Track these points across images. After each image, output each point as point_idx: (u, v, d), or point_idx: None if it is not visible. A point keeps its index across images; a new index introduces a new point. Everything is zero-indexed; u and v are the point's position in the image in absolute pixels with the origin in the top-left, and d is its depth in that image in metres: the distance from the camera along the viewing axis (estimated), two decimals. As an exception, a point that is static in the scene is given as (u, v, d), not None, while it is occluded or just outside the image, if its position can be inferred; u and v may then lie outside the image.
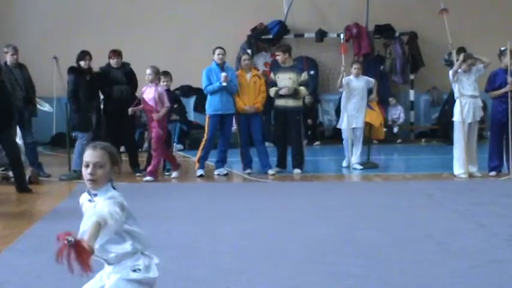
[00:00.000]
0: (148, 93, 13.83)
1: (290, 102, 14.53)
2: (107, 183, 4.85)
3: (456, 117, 14.10)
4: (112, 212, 4.53)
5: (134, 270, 4.83)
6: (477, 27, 18.21)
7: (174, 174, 14.42)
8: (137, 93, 15.46)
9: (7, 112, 12.83)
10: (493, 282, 7.35)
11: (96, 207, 4.71)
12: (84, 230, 4.61)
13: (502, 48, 14.12)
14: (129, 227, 4.81)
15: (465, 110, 14.02)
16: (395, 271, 7.98)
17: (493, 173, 14.13)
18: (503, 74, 13.92)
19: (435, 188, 13.32)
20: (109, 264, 4.84)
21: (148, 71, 13.85)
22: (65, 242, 4.21)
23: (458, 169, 14.14)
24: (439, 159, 15.95)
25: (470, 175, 13.99)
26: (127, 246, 4.81)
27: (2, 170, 13.22)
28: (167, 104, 13.98)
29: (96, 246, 4.55)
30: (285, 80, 14.48)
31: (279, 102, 14.60)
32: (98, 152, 4.84)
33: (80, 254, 4.26)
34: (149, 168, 14.12)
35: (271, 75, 14.80)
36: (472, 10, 19.42)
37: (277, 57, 15.14)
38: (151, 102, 13.72)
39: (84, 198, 4.90)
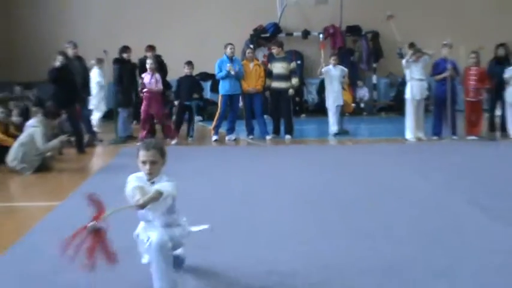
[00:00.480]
0: (147, 78, 14.17)
1: (283, 85, 14.93)
2: (161, 173, 5.11)
3: (407, 95, 14.53)
4: (171, 191, 4.83)
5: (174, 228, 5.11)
6: (425, 26, 18.29)
7: (173, 141, 14.36)
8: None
9: (73, 93, 13.26)
10: (436, 222, 7.25)
11: (159, 184, 4.92)
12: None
13: (444, 42, 14.52)
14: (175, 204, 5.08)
15: (414, 90, 14.46)
16: (365, 219, 7.90)
17: (435, 137, 14.56)
18: (444, 62, 14.42)
19: (392, 149, 13.56)
20: (159, 226, 5.05)
21: (149, 61, 14.31)
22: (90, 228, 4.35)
23: (409, 134, 14.51)
24: (394, 128, 16.03)
25: (418, 139, 14.40)
26: (174, 216, 5.15)
27: (67, 136, 12.79)
28: (158, 87, 14.33)
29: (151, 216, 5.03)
30: (279, 68, 14.95)
31: (274, 85, 14.95)
32: (150, 152, 5.03)
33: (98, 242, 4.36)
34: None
35: (268, 65, 15.16)
36: (422, 12, 19.68)
37: (273, 50, 15.59)
38: (149, 86, 14.13)
39: (135, 179, 5.04)
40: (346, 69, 16.17)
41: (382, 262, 5.75)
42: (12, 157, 11.09)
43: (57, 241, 4.72)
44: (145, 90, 14.19)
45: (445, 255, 5.97)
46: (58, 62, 13.17)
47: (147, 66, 14.26)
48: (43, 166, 11.29)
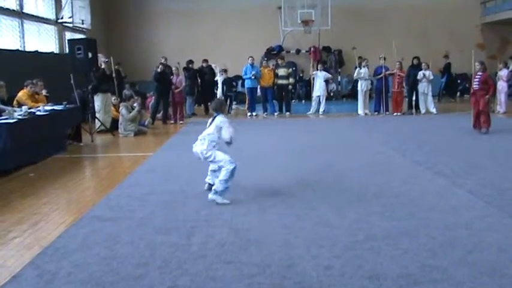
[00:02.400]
0: (174, 79, 13.65)
1: (284, 82, 14.89)
2: (222, 113, 5.49)
3: (359, 88, 14.54)
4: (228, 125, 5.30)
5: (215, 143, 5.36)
6: (370, 45, 18.20)
7: (181, 121, 13.60)
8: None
9: (167, 88, 13.38)
10: (373, 160, 7.47)
11: (218, 119, 5.36)
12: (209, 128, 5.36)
13: (380, 56, 14.46)
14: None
15: (363, 85, 14.53)
16: (330, 157, 8.17)
17: (375, 113, 14.45)
18: (380, 68, 14.36)
19: (349, 120, 13.41)
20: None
21: (173, 68, 13.85)
22: None
23: (360, 111, 14.45)
24: (351, 107, 15.80)
25: (365, 114, 14.36)
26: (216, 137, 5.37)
27: (158, 114, 13.44)
28: (183, 84, 13.91)
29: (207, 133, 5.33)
30: (282, 71, 14.89)
31: (279, 82, 14.86)
32: (213, 103, 5.68)
33: None
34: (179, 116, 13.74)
35: (275, 70, 15.04)
36: (368, 37, 19.58)
37: (279, 61, 15.47)
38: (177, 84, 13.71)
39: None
40: (330, 75, 16.12)
41: (333, 176, 5.88)
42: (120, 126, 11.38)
43: (152, 176, 4.94)
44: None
45: (376, 179, 6.07)
46: (159, 68, 13.31)
47: (173, 71, 13.88)
48: (140, 132, 11.49)
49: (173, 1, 20.20)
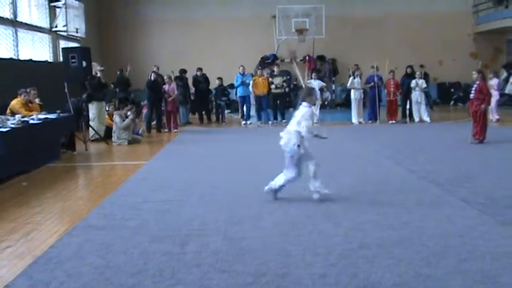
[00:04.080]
0: (167, 87, 13.59)
1: (279, 91, 15.04)
2: (309, 104, 5.46)
3: (352, 96, 14.60)
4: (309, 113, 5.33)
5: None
6: (363, 54, 18.33)
7: (175, 130, 13.47)
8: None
9: (159, 96, 13.41)
10: (366, 168, 7.55)
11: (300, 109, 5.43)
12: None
13: (372, 65, 14.61)
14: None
15: (356, 94, 14.60)
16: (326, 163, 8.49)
17: (369, 122, 14.50)
18: (372, 77, 14.44)
19: (343, 128, 13.37)
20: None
21: (165, 77, 13.82)
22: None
23: (354, 119, 14.48)
24: (345, 115, 15.65)
25: (360, 123, 14.40)
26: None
27: (152, 123, 13.51)
28: (175, 93, 13.80)
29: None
30: (278, 80, 15.02)
31: (275, 91, 14.97)
32: (302, 91, 5.67)
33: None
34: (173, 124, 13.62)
35: (270, 78, 15.10)
36: (361, 47, 19.75)
37: (275, 69, 15.65)
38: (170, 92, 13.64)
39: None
40: (324, 83, 16.14)
41: (328, 184, 5.88)
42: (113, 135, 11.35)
43: (146, 185, 4.92)
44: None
45: (370, 187, 6.08)
46: (152, 77, 13.33)
47: (165, 79, 13.84)
48: (134, 140, 11.46)
49: (168, 10, 20.27)
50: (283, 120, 14.90)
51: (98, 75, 12.19)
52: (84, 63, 10.61)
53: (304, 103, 5.46)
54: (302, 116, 5.34)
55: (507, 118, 14.25)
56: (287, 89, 15.64)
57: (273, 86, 15.03)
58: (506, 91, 16.90)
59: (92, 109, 11.93)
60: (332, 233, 4.48)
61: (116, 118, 11.30)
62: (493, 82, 14.07)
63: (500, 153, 8.85)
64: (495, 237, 4.30)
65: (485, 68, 15.88)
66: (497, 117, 13.95)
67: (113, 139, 11.34)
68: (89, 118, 11.83)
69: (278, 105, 15.21)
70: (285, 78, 15.55)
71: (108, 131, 11.77)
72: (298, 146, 5.35)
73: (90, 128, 11.64)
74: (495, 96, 13.90)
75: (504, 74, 17.81)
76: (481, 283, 3.37)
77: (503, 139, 10.43)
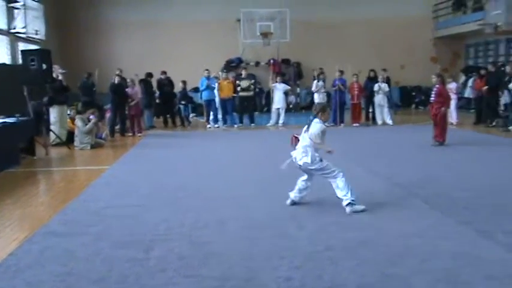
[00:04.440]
0: (130, 91, 13.32)
1: (246, 94, 15.08)
2: (321, 119, 5.31)
3: (316, 100, 14.59)
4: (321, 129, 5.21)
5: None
6: (328, 58, 18.36)
7: (140, 134, 13.21)
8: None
9: (123, 99, 13.18)
10: None
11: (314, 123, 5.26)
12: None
13: (339, 69, 14.81)
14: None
15: (320, 96, 14.72)
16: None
17: (333, 124, 14.35)
18: (336, 80, 14.52)
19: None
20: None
21: (128, 80, 13.48)
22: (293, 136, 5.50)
23: (318, 123, 14.77)
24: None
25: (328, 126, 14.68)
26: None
27: (116, 127, 13.24)
28: (139, 96, 13.63)
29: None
30: (245, 83, 15.06)
31: (242, 94, 15.03)
32: (315, 106, 5.59)
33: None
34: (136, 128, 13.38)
35: (237, 81, 15.20)
36: (326, 50, 20.01)
37: (242, 72, 15.71)
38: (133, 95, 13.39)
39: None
40: (289, 87, 16.21)
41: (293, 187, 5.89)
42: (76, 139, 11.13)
43: (109, 190, 4.82)
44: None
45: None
46: (116, 80, 13.13)
47: (128, 83, 13.57)
48: (97, 144, 11.26)
49: (132, 12, 20.03)
50: (252, 124, 15.01)
51: (60, 78, 11.93)
52: (44, 66, 10.35)
53: (316, 119, 5.34)
54: (314, 131, 5.24)
55: (466, 121, 14.66)
56: (254, 92, 15.65)
57: (239, 89, 15.02)
58: (466, 95, 17.38)
59: (53, 113, 11.65)
60: (297, 236, 4.51)
61: (78, 122, 11.08)
62: (452, 86, 14.42)
63: (460, 155, 9.10)
64: (455, 236, 4.42)
65: (444, 72, 16.33)
66: (456, 120, 14.33)
67: (75, 143, 11.11)
68: (50, 122, 11.55)
69: (245, 108, 15.21)
70: (252, 81, 15.57)
71: (70, 135, 11.51)
72: (321, 160, 5.31)
73: (51, 132, 11.36)
74: (454, 99, 14.28)
75: (462, 78, 18.32)
76: (442, 282, 3.45)
77: (462, 141, 10.72)
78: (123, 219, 5.15)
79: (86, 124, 11.08)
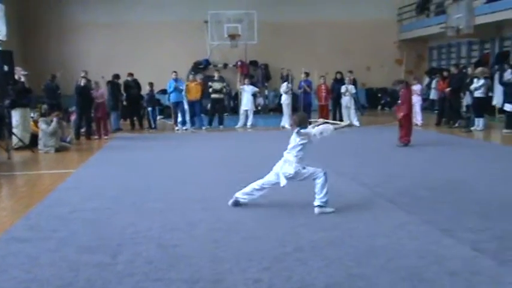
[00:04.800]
0: (95, 93, 13.02)
1: (218, 96, 15.06)
2: (298, 127, 5.30)
3: (284, 101, 14.81)
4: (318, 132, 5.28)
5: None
6: (295, 60, 18.37)
7: (106, 137, 13.05)
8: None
9: (89, 102, 12.95)
10: (311, 186, 7.80)
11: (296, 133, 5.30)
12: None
13: (305, 70, 14.99)
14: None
15: (287, 99, 14.86)
16: (255, 167, 8.32)
17: None
18: (302, 82, 14.78)
19: (277, 133, 13.33)
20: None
21: (93, 85, 13.21)
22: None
23: (284, 123, 14.61)
24: (278, 120, 15.44)
25: (290, 127, 14.77)
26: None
27: (82, 129, 13.03)
28: (105, 98, 13.52)
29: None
30: (217, 85, 15.05)
31: (214, 96, 15.00)
32: (296, 118, 5.55)
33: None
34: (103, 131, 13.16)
35: (209, 83, 15.28)
36: (292, 52, 20.13)
37: (215, 74, 15.63)
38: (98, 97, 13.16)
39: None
40: (257, 89, 16.24)
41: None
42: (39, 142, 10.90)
43: (75, 194, 4.71)
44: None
45: (301, 191, 6.06)
46: (82, 82, 12.90)
47: (93, 85, 13.30)
48: (62, 148, 11.04)
49: (97, 13, 19.76)
50: (220, 126, 14.97)
51: (22, 79, 11.65)
52: (6, 68, 10.10)
53: (298, 129, 5.41)
54: (318, 130, 5.38)
55: (431, 122, 15.00)
56: (225, 95, 15.68)
57: (211, 90, 15.03)
58: (430, 96, 17.78)
59: (16, 115, 11.35)
60: (266, 238, 4.53)
61: (42, 125, 10.84)
62: (416, 88, 14.75)
63: (424, 155, 9.31)
64: (419, 235, 4.52)
65: (409, 73, 16.66)
66: (421, 121, 14.65)
67: (38, 147, 10.86)
68: (12, 125, 11.25)
69: (216, 110, 15.21)
70: (224, 84, 15.54)
71: (34, 138, 11.25)
72: (304, 168, 5.35)
73: (13, 136, 11.08)
74: (418, 101, 14.61)
75: (426, 80, 18.74)
76: (407, 280, 3.53)
77: (426, 142, 10.96)
78: (89, 224, 5.07)
79: (49, 125, 10.87)
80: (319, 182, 5.30)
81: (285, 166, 5.36)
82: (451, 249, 4.15)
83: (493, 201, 5.71)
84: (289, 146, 5.43)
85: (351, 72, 15.80)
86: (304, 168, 5.35)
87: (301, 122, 5.46)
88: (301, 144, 5.34)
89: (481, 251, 4.07)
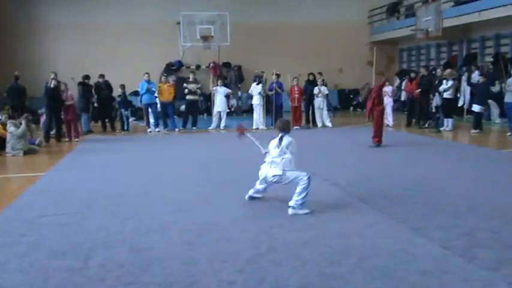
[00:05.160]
0: (64, 94, 12.73)
1: (193, 97, 15.01)
2: (282, 132, 5.52)
3: (256, 102, 14.84)
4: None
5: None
6: (268, 62, 18.32)
7: (77, 139, 12.72)
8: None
9: (59, 104, 12.72)
10: (285, 187, 7.86)
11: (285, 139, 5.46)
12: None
13: (274, 72, 14.95)
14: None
15: (258, 100, 14.88)
16: (230, 169, 8.25)
17: (272, 127, 14.83)
18: (273, 83, 14.76)
19: (250, 135, 13.83)
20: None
21: (62, 87, 12.81)
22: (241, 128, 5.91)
23: (255, 125, 14.75)
24: (252, 122, 15.08)
25: (262, 129, 14.72)
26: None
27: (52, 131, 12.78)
28: (74, 100, 13.22)
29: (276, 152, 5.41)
30: (192, 86, 14.94)
31: (189, 97, 14.96)
32: (279, 123, 5.66)
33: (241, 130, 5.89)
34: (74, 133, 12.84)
35: (184, 84, 15.23)
36: (267, 54, 20.15)
37: (190, 75, 15.54)
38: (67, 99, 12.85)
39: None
40: (230, 90, 16.19)
41: (235, 190, 5.94)
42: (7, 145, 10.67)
43: (44, 198, 4.61)
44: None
45: (275, 191, 6.08)
46: (52, 84, 12.64)
47: (61, 87, 12.87)
48: (31, 151, 10.82)
49: (66, 14, 19.43)
50: (193, 128, 14.89)
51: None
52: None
53: (286, 135, 5.57)
54: (292, 144, 5.52)
55: (401, 123, 15.23)
56: (201, 96, 15.62)
57: (186, 91, 14.95)
58: (402, 98, 18.05)
59: (-18, 118, 11.10)
60: (239, 239, 4.53)
61: (11, 127, 10.59)
62: (388, 89, 14.96)
63: (396, 156, 9.45)
64: (391, 234, 4.59)
65: (380, 75, 16.86)
66: (392, 122, 14.86)
67: (6, 150, 10.60)
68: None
69: (191, 112, 15.13)
70: (199, 85, 15.44)
71: (1, 141, 10.98)
72: (289, 170, 5.47)
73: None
74: (390, 102, 14.82)
75: (397, 81, 19.04)
76: (379, 279, 3.58)
77: (398, 142, 11.13)
78: (59, 228, 4.98)
79: (18, 128, 10.64)
80: (302, 184, 5.36)
81: (272, 169, 5.44)
82: (422, 248, 4.22)
83: (462, 200, 5.84)
84: (274, 151, 5.48)
85: (320, 74, 15.82)
86: (289, 171, 5.43)
87: (284, 127, 5.61)
88: (287, 148, 5.45)
89: (450, 249, 4.16)
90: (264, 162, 5.60)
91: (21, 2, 19.21)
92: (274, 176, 5.42)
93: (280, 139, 5.50)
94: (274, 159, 5.45)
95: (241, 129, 6.05)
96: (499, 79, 14.36)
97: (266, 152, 5.65)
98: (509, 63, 14.65)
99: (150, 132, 14.55)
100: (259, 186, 5.80)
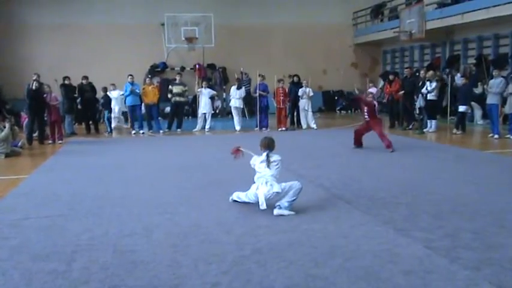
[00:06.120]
0: (48, 96, 12.72)
1: (179, 99, 14.95)
2: (267, 150, 5.52)
3: (234, 104, 14.99)
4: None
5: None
6: (249, 64, 18.71)
7: (60, 141, 12.72)
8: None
9: (42, 106, 12.68)
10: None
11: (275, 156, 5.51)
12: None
13: (259, 73, 14.97)
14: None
15: (237, 102, 14.96)
16: (215, 171, 8.34)
17: (256, 129, 14.78)
18: (259, 85, 14.80)
19: (235, 136, 13.51)
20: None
21: (46, 88, 12.76)
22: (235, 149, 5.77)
23: (236, 127, 14.91)
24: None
25: (244, 130, 14.83)
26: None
27: (34, 134, 12.73)
28: (57, 101, 13.19)
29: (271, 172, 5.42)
30: (178, 88, 14.92)
31: (176, 99, 14.88)
32: (265, 142, 5.59)
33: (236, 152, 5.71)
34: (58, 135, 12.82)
35: (170, 86, 15.20)
36: (253, 55, 20.25)
37: (176, 77, 15.48)
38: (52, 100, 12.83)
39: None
40: (214, 92, 16.17)
41: (220, 192, 5.94)
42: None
43: (27, 200, 4.55)
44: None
45: None
46: (34, 85, 12.51)
47: (44, 89, 12.83)
48: (13, 153, 10.70)
49: (49, 15, 19.33)
50: (178, 130, 14.84)
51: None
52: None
53: (267, 151, 5.57)
54: (279, 162, 5.55)
55: (385, 124, 15.29)
56: (187, 98, 15.59)
57: (173, 93, 14.92)
58: (385, 99, 18.17)
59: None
60: (224, 241, 4.53)
61: (-8, 129, 10.48)
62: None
63: (380, 158, 9.50)
64: (376, 235, 4.62)
65: (364, 76, 17.02)
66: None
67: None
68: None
69: (176, 114, 15.09)
70: (186, 87, 15.42)
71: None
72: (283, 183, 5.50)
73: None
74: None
75: (381, 83, 19.19)
76: (364, 279, 3.60)
77: (382, 144, 11.19)
78: (43, 231, 4.93)
79: (2, 131, 10.51)
80: (294, 187, 5.43)
81: (269, 188, 5.40)
82: (406, 248, 4.25)
83: (446, 201, 5.90)
84: (266, 170, 5.48)
85: (296, 75, 15.79)
86: (284, 183, 5.48)
87: (270, 145, 5.62)
88: (277, 164, 5.51)
89: (434, 250, 4.20)
90: (255, 182, 5.55)
91: (2, 3, 18.99)
92: (274, 192, 5.38)
93: (267, 156, 5.50)
94: (270, 177, 5.46)
95: (236, 151, 5.98)
96: (482, 81, 14.57)
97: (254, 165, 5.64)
98: (491, 65, 14.84)
99: (134, 134, 14.47)
100: (245, 199, 5.73)
